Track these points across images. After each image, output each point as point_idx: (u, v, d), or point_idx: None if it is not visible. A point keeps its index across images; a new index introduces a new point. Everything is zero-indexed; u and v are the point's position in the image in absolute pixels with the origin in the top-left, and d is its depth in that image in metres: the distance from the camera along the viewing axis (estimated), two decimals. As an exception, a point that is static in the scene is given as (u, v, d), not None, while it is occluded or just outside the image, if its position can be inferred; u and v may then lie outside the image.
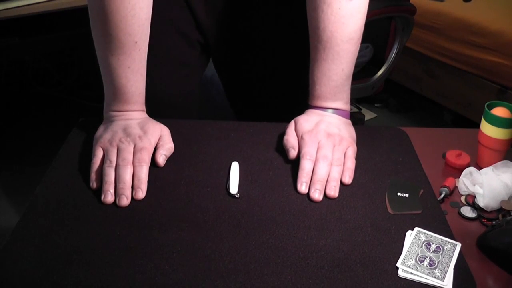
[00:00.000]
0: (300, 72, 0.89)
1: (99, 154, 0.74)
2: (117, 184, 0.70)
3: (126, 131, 0.76)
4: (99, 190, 0.70)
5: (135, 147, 0.74)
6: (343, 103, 0.83)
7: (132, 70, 0.78)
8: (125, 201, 0.69)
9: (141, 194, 0.70)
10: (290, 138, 0.79)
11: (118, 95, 0.79)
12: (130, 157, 0.73)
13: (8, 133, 2.21)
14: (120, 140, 0.74)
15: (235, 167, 0.76)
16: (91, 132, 0.80)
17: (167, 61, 0.96)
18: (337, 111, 0.82)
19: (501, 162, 0.78)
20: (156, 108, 0.85)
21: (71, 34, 1.83)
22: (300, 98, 0.88)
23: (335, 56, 0.79)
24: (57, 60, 2.56)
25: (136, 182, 0.71)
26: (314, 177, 0.72)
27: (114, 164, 0.72)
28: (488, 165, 0.78)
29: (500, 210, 0.72)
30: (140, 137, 0.75)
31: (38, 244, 0.62)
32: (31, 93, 2.50)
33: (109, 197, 0.69)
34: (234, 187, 0.71)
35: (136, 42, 0.77)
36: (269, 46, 0.98)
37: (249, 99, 1.07)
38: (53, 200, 0.69)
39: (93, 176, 0.72)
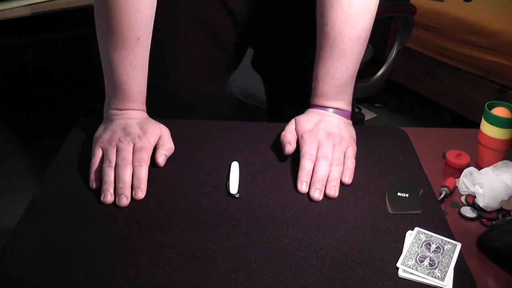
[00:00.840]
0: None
1: (98, 154, 0.74)
2: (117, 184, 0.70)
3: (126, 131, 0.76)
4: (99, 190, 0.70)
5: (135, 147, 0.74)
6: (345, 103, 0.83)
7: (134, 67, 0.78)
8: (125, 201, 0.69)
9: (141, 194, 0.70)
10: (287, 134, 0.79)
11: (118, 92, 0.79)
12: (129, 156, 0.73)
13: (8, 133, 2.21)
14: (119, 140, 0.74)
15: (235, 167, 0.76)
16: (91, 132, 0.80)
17: (194, 61, 0.96)
18: (338, 110, 0.82)
19: (501, 162, 0.78)
20: (179, 106, 0.84)
21: (71, 34, 1.83)
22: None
23: (341, 55, 0.79)
24: (57, 60, 2.56)
25: (135, 182, 0.71)
26: (314, 176, 0.72)
27: (113, 164, 0.72)
28: (488, 165, 0.78)
29: (500, 210, 0.72)
30: (139, 137, 0.75)
31: (38, 244, 0.62)
32: (31, 93, 2.50)
33: (108, 197, 0.69)
34: (234, 187, 0.71)
35: (139, 38, 0.77)
36: (298, 35, 0.97)
37: (287, 95, 1.06)
38: (53, 200, 0.69)
39: (92, 176, 0.72)
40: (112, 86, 0.79)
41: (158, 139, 0.78)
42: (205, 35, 0.95)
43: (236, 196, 0.71)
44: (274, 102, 1.11)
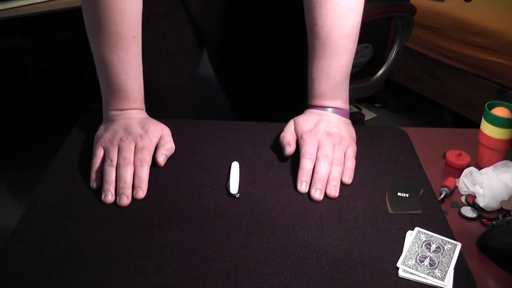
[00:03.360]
0: (296, 72, 0.89)
1: (99, 153, 0.74)
2: (118, 183, 0.70)
3: (127, 130, 0.76)
4: (99, 190, 0.70)
5: (136, 146, 0.74)
6: (342, 102, 0.83)
7: (132, 66, 0.78)
8: (126, 200, 0.69)
9: (142, 193, 0.70)
10: (287, 135, 0.79)
11: (117, 93, 0.79)
12: (131, 156, 0.73)
13: (8, 133, 2.21)
14: (121, 139, 0.74)
15: (235, 167, 0.76)
16: (91, 132, 0.80)
17: (158, 53, 0.96)
18: (336, 110, 0.82)
19: (501, 162, 0.78)
20: (147, 100, 0.84)
21: (71, 34, 1.83)
22: (296, 98, 0.88)
23: (334, 53, 0.79)
24: (57, 60, 2.56)
25: (136, 181, 0.71)
26: (315, 176, 0.72)
27: (114, 163, 0.72)
28: (488, 165, 0.78)
29: (500, 210, 0.72)
30: (141, 136, 0.75)
31: (38, 244, 0.62)
32: (31, 93, 2.50)
33: (109, 197, 0.69)
34: (234, 187, 0.71)
35: (134, 36, 0.77)
36: (264, 42, 0.98)
37: (246, 96, 1.07)
38: (53, 200, 0.69)
39: (93, 175, 0.72)
40: (111, 87, 0.79)
41: (159, 138, 0.78)
42: (166, 26, 0.96)
43: (236, 196, 0.71)
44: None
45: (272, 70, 1.01)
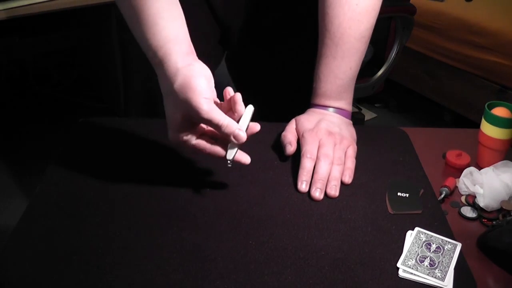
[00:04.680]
0: (305, 71, 0.89)
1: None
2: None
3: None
4: (99, 190, 0.70)
5: None
6: (346, 103, 0.83)
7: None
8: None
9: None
10: (288, 134, 0.79)
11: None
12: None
13: (8, 133, 2.21)
14: None
15: (249, 110, 0.69)
16: (91, 132, 0.80)
17: None
18: (338, 110, 0.82)
19: (501, 162, 0.78)
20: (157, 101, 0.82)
21: (71, 34, 1.83)
22: (302, 98, 0.87)
23: (345, 54, 0.79)
24: (57, 60, 2.56)
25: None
26: (315, 175, 0.72)
27: None
28: (488, 165, 0.78)
29: (500, 210, 0.72)
30: None
31: (38, 244, 0.62)
32: (31, 93, 2.50)
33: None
34: (231, 153, 0.67)
35: None
36: (283, 41, 0.97)
37: (258, 95, 1.06)
38: (53, 200, 0.69)
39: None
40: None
41: None
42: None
43: (229, 164, 0.67)
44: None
45: (284, 70, 1.00)
